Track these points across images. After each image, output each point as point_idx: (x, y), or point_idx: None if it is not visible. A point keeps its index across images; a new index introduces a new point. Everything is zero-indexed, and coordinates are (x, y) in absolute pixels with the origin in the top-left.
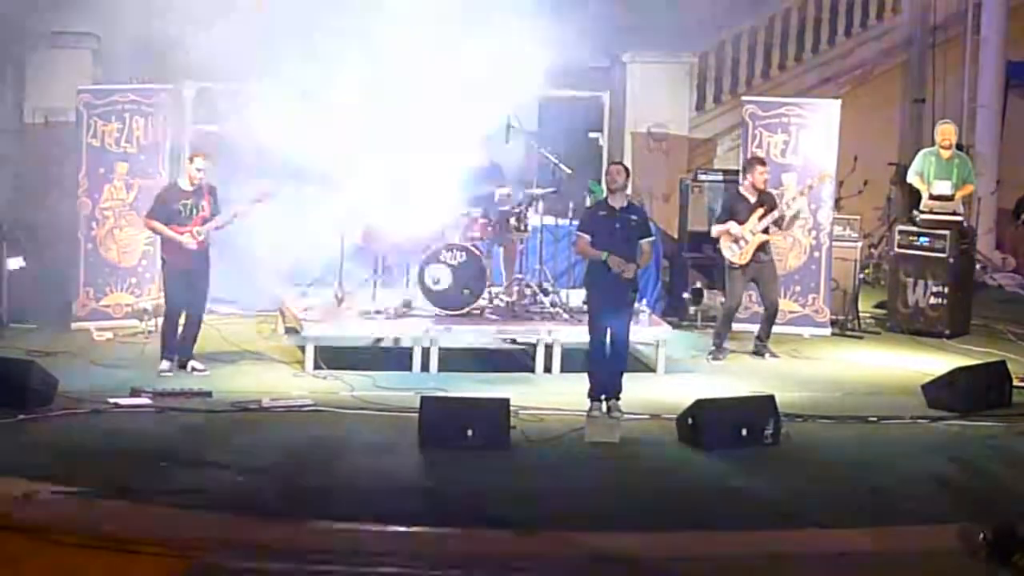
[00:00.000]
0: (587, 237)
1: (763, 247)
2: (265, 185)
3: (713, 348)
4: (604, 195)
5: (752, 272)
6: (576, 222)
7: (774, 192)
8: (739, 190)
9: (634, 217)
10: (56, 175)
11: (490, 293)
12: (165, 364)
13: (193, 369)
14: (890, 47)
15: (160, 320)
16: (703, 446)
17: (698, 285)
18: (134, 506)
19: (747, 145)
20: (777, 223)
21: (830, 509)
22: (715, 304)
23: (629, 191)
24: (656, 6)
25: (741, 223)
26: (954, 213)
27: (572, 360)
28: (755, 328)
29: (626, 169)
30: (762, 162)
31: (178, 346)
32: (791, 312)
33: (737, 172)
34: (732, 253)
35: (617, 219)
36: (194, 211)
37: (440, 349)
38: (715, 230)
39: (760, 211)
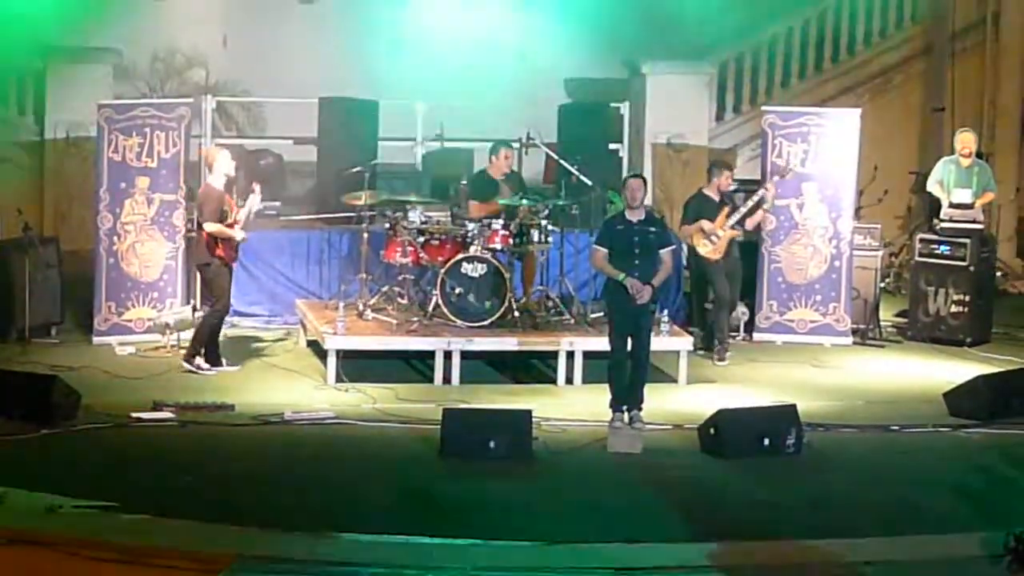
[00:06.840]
0: (604, 251)
1: (731, 244)
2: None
3: (717, 347)
4: (623, 206)
5: (726, 267)
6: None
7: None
8: (703, 192)
9: (652, 229)
10: (77, 190)
11: (511, 304)
12: (205, 364)
13: (226, 363)
14: (909, 56)
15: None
16: (725, 456)
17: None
18: (157, 520)
19: (767, 155)
20: (740, 222)
21: (853, 518)
22: (738, 314)
23: (649, 202)
24: (675, 17)
25: (711, 221)
26: (974, 221)
27: (594, 371)
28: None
29: (644, 182)
30: (729, 167)
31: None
32: (812, 321)
33: (756, 182)
34: (707, 249)
35: (635, 231)
36: (230, 207)
37: (462, 361)
38: (685, 230)
39: (726, 209)
